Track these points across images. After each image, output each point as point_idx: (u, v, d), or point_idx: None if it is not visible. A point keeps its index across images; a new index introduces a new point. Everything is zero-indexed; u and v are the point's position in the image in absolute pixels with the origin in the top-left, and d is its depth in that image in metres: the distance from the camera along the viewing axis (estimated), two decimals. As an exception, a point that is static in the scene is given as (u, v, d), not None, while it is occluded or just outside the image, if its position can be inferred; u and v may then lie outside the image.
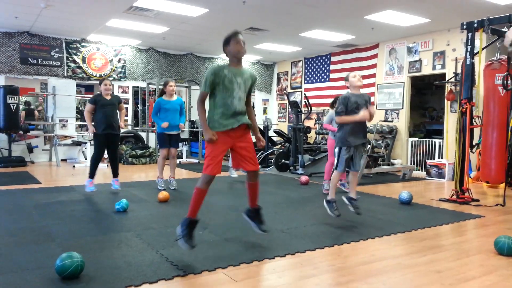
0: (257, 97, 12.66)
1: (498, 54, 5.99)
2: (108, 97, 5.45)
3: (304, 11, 7.10)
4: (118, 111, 5.57)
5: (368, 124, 4.66)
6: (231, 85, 2.97)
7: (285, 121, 12.42)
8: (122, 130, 5.82)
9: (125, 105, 10.30)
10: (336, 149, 4.10)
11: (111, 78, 10.13)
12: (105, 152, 5.59)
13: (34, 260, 2.85)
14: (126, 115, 5.95)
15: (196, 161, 10.12)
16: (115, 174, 5.66)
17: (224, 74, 2.95)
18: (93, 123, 5.39)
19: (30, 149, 9.15)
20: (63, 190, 5.74)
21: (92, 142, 5.71)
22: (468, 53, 5.47)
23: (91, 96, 10.62)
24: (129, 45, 10.31)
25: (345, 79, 4.17)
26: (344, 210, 4.15)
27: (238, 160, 3.17)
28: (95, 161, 5.45)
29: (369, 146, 8.41)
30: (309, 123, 10.58)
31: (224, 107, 2.98)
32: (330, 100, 10.79)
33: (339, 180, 5.76)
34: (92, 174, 5.47)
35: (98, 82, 9.90)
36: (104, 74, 10.02)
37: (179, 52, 11.04)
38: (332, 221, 4.13)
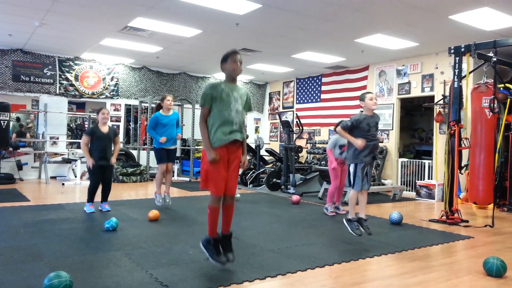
0: (249, 116, 12.74)
1: (485, 78, 6.16)
2: (105, 128, 5.41)
3: (296, 33, 7.24)
4: (113, 144, 5.56)
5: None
6: (228, 98, 3.05)
7: (277, 140, 12.48)
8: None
9: (117, 123, 10.40)
10: (351, 168, 4.12)
11: (103, 96, 10.15)
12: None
13: (21, 279, 2.81)
14: (119, 150, 5.91)
15: (188, 179, 10.08)
16: (105, 198, 5.59)
17: (221, 88, 3.05)
18: None
19: (20, 166, 9.06)
20: (52, 208, 5.67)
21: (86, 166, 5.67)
22: (455, 76, 5.61)
23: (84, 113, 10.68)
24: (122, 64, 10.37)
25: (361, 98, 4.19)
26: (332, 229, 4.16)
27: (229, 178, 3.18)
28: (93, 189, 5.39)
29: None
30: (301, 142, 10.64)
31: (222, 119, 3.04)
32: (321, 121, 10.98)
33: (333, 203, 5.80)
34: (91, 199, 5.41)
35: (95, 99, 10.00)
36: (96, 92, 10.04)
37: (172, 71, 11.13)
38: (323, 242, 4.13)
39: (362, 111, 4.23)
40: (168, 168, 5.83)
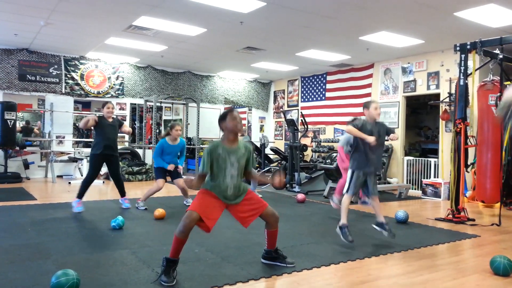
0: (254, 115, 12.74)
1: (491, 75, 6.11)
2: (110, 120, 5.48)
3: (300, 31, 7.23)
4: (121, 131, 5.62)
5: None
6: (224, 164, 2.99)
7: (282, 139, 12.48)
8: (119, 147, 5.83)
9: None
10: (349, 173, 4.09)
11: (108, 95, 10.19)
12: (101, 170, 5.58)
13: (29, 277, 2.83)
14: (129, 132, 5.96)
15: (193, 177, 10.07)
16: (122, 193, 5.66)
17: (218, 153, 2.99)
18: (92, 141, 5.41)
19: (26, 165, 9.12)
20: (59, 206, 5.71)
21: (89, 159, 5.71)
22: (461, 74, 5.57)
23: (90, 112, 10.71)
24: (127, 63, 10.40)
25: (365, 106, 4.10)
26: (334, 228, 4.15)
27: (241, 218, 3.13)
28: (87, 182, 5.37)
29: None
30: (306, 141, 10.63)
31: (217, 183, 3.01)
32: (326, 119, 10.96)
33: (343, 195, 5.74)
34: (81, 195, 5.36)
35: (101, 99, 10.05)
36: (102, 91, 10.08)
37: (177, 70, 11.15)
38: (328, 240, 4.12)
39: (353, 122, 4.13)
40: (180, 184, 5.80)
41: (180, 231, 2.84)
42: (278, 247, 3.74)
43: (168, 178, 5.87)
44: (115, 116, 5.77)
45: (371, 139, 3.86)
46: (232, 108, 3.17)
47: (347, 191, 4.09)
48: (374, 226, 4.17)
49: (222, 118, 3.07)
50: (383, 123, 4.20)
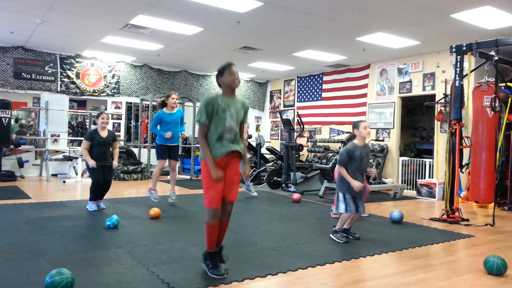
0: (250, 115, 12.73)
1: (486, 77, 6.15)
2: (104, 133, 5.41)
3: (297, 32, 7.23)
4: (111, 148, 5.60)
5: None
6: (223, 114, 2.95)
7: (278, 139, 12.48)
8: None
9: (118, 121, 10.42)
10: (340, 196, 4.09)
11: (104, 94, 10.16)
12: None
13: (23, 276, 2.82)
14: (118, 153, 5.91)
15: (188, 177, 10.09)
16: (101, 197, 5.60)
17: (217, 103, 2.95)
18: None
19: (21, 163, 9.07)
20: (53, 205, 5.68)
21: (86, 167, 5.66)
22: (457, 75, 5.60)
23: (85, 111, 10.68)
24: (123, 61, 10.37)
25: (354, 125, 4.14)
26: (329, 227, 4.16)
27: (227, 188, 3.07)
28: (95, 188, 5.37)
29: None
30: (302, 141, 10.64)
31: (217, 135, 2.95)
32: (322, 119, 10.98)
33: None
34: (93, 198, 5.41)
35: (96, 97, 10.02)
36: (97, 90, 10.05)
37: (173, 69, 11.13)
38: (324, 240, 4.14)
39: (352, 140, 4.16)
40: (172, 165, 5.84)
41: (210, 215, 2.91)
42: (274, 246, 3.75)
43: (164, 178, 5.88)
44: (110, 129, 5.71)
45: (356, 184, 3.93)
46: (230, 62, 3.11)
47: (345, 211, 4.06)
48: (331, 234, 4.18)
49: (220, 73, 3.06)
50: (368, 146, 4.26)
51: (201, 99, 3.09)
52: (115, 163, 5.49)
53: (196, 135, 10.54)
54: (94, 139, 5.33)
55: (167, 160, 5.94)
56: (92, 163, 5.23)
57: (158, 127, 5.81)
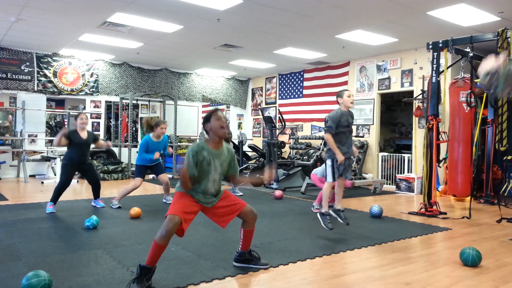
0: (232, 112, 12.72)
1: (462, 73, 6.29)
2: (84, 134, 5.32)
3: (277, 29, 7.25)
4: (97, 146, 5.60)
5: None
6: (208, 168, 2.86)
7: (260, 136, 12.51)
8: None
9: (97, 120, 10.27)
10: (328, 162, 4.20)
11: (83, 93, 9.99)
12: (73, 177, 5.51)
13: (-2, 280, 2.76)
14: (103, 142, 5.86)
15: (170, 176, 10.01)
16: (97, 196, 5.59)
17: (203, 156, 2.84)
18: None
19: (-3, 165, 8.86)
20: (31, 207, 5.57)
21: (62, 160, 5.58)
22: (434, 71, 5.71)
23: (63, 110, 10.48)
24: (102, 60, 10.21)
25: (338, 95, 4.27)
26: (314, 223, 4.20)
27: (218, 218, 3.03)
28: (60, 189, 5.22)
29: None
30: (283, 138, 10.69)
31: (199, 187, 2.88)
32: (304, 116, 11.04)
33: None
34: (54, 200, 5.22)
35: (74, 96, 9.84)
36: (76, 89, 9.87)
37: (153, 67, 11.02)
38: (305, 236, 4.17)
39: (339, 108, 4.29)
40: (164, 180, 5.80)
41: (162, 236, 2.65)
42: (256, 243, 3.75)
43: (148, 177, 5.83)
44: (89, 130, 5.65)
45: (340, 157, 4.06)
46: (217, 108, 3.01)
47: (329, 178, 4.21)
48: (331, 211, 4.27)
49: (206, 119, 2.92)
50: (351, 112, 4.36)
51: (189, 148, 2.91)
52: (109, 143, 5.78)
53: (177, 133, 10.52)
54: (74, 139, 5.24)
55: (156, 175, 5.94)
56: (62, 133, 5.12)
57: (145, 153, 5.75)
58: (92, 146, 5.51)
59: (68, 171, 5.24)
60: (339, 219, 4.20)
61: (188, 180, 2.79)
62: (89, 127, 9.91)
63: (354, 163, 8.84)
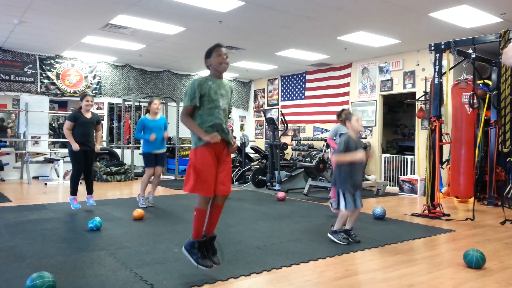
0: (235, 114, 12.73)
1: (465, 74, 6.28)
2: (88, 115, 5.42)
3: (279, 31, 7.26)
4: (95, 129, 5.57)
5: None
6: (216, 96, 2.84)
7: (262, 138, 12.51)
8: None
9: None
10: (340, 193, 3.96)
11: (86, 95, 10.01)
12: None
13: (3, 281, 2.76)
14: (102, 136, 5.89)
15: (173, 177, 10.03)
16: (90, 190, 5.58)
17: (209, 85, 2.82)
18: None
19: (1, 166, 8.88)
20: (35, 208, 5.58)
21: (68, 158, 5.60)
22: (436, 73, 5.70)
23: (66, 112, 10.51)
24: (104, 62, 10.24)
25: (347, 118, 4.09)
26: (317, 225, 4.19)
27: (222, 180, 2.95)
28: (75, 177, 5.36)
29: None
30: (286, 139, 10.70)
31: (211, 117, 2.82)
32: (306, 118, 11.04)
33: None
34: (74, 191, 5.36)
35: (77, 98, 9.85)
36: (78, 91, 9.90)
37: (155, 69, 11.04)
38: (308, 238, 4.17)
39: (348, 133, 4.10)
40: (157, 172, 5.80)
41: (200, 201, 2.82)
42: (259, 245, 3.75)
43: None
44: (94, 112, 5.68)
45: (359, 155, 3.87)
46: (219, 43, 2.98)
47: (345, 207, 3.94)
48: (330, 235, 4.07)
49: (208, 55, 2.92)
50: (361, 141, 4.18)
51: (189, 81, 2.94)
52: (98, 147, 5.54)
53: (180, 135, 10.53)
54: (78, 119, 5.31)
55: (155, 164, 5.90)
56: (75, 146, 5.19)
57: (142, 133, 5.74)
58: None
59: (76, 157, 5.30)
60: (350, 239, 4.02)
61: (189, 122, 2.81)
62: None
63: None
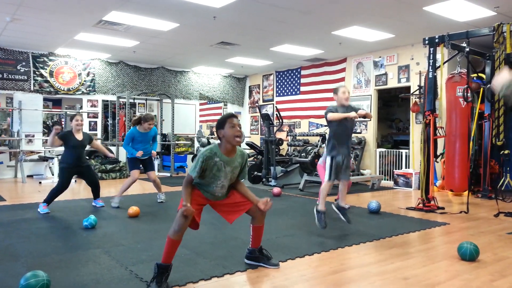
0: (230, 110, 12.71)
1: (459, 68, 6.30)
2: (79, 136, 5.28)
3: (273, 26, 7.24)
4: (93, 147, 5.59)
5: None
6: (218, 173, 2.83)
7: (258, 134, 12.50)
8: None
9: (94, 119, 10.24)
10: (328, 160, 4.15)
11: (79, 92, 9.96)
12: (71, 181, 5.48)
13: (-3, 280, 2.75)
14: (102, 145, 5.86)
15: (168, 174, 10.02)
16: (97, 196, 5.57)
17: (214, 162, 2.79)
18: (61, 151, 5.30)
19: (-6, 165, 8.84)
20: (29, 207, 5.56)
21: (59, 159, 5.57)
22: (430, 66, 5.71)
23: (61, 110, 10.44)
24: (98, 59, 10.18)
25: (334, 92, 4.22)
26: (312, 220, 4.20)
27: (226, 214, 3.06)
28: (56, 192, 5.17)
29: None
30: (281, 135, 10.69)
31: (208, 187, 2.88)
32: (301, 113, 11.04)
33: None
34: (48, 201, 5.17)
35: (71, 95, 9.81)
36: (72, 88, 9.84)
37: (150, 65, 10.99)
38: (303, 233, 4.18)
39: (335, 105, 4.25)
40: (152, 177, 5.77)
41: (175, 231, 2.65)
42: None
43: (143, 176, 5.81)
44: (86, 131, 5.61)
45: (351, 114, 3.98)
46: (232, 114, 2.94)
47: (328, 178, 4.15)
48: (335, 208, 4.29)
49: (220, 126, 2.81)
50: (352, 106, 4.25)
51: (201, 152, 2.87)
52: (111, 155, 5.82)
53: (175, 132, 10.51)
54: (69, 140, 5.19)
55: (144, 172, 5.89)
56: (54, 132, 5.05)
57: (130, 144, 5.70)
58: (88, 146, 5.49)
59: (66, 174, 5.21)
60: (341, 216, 4.19)
61: (186, 194, 2.77)
62: (86, 127, 9.90)
63: (352, 159, 8.84)
